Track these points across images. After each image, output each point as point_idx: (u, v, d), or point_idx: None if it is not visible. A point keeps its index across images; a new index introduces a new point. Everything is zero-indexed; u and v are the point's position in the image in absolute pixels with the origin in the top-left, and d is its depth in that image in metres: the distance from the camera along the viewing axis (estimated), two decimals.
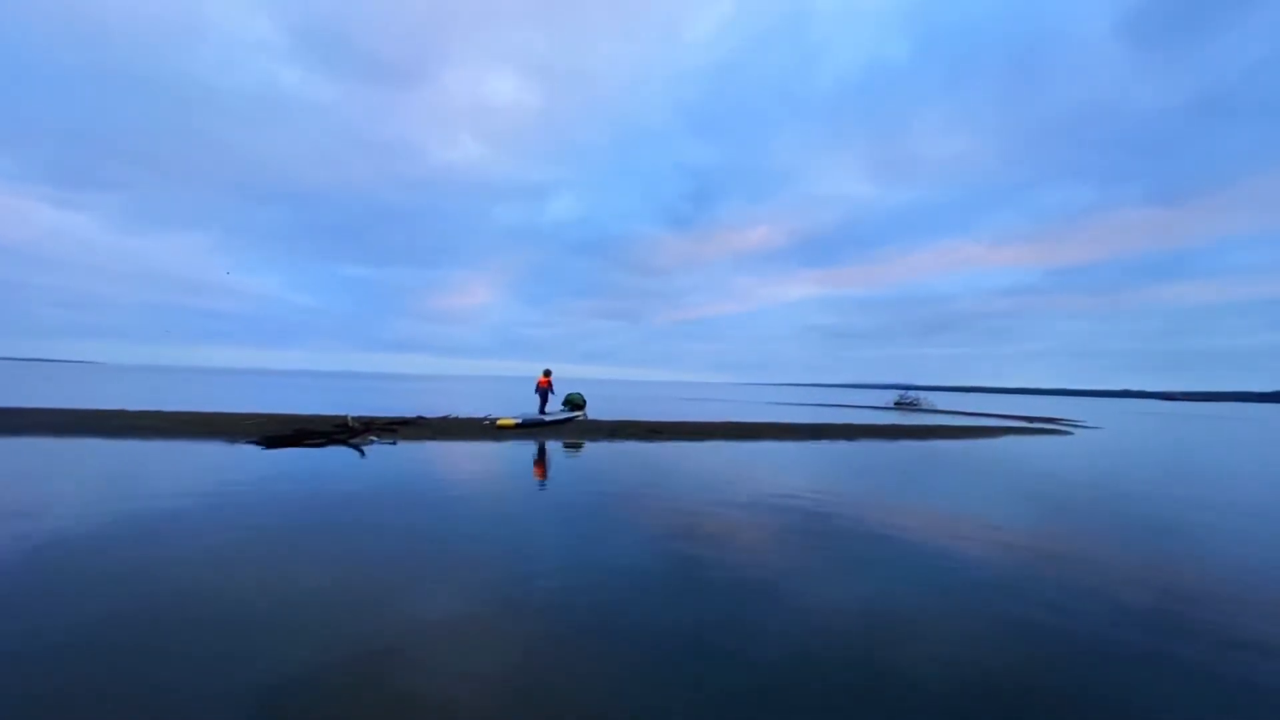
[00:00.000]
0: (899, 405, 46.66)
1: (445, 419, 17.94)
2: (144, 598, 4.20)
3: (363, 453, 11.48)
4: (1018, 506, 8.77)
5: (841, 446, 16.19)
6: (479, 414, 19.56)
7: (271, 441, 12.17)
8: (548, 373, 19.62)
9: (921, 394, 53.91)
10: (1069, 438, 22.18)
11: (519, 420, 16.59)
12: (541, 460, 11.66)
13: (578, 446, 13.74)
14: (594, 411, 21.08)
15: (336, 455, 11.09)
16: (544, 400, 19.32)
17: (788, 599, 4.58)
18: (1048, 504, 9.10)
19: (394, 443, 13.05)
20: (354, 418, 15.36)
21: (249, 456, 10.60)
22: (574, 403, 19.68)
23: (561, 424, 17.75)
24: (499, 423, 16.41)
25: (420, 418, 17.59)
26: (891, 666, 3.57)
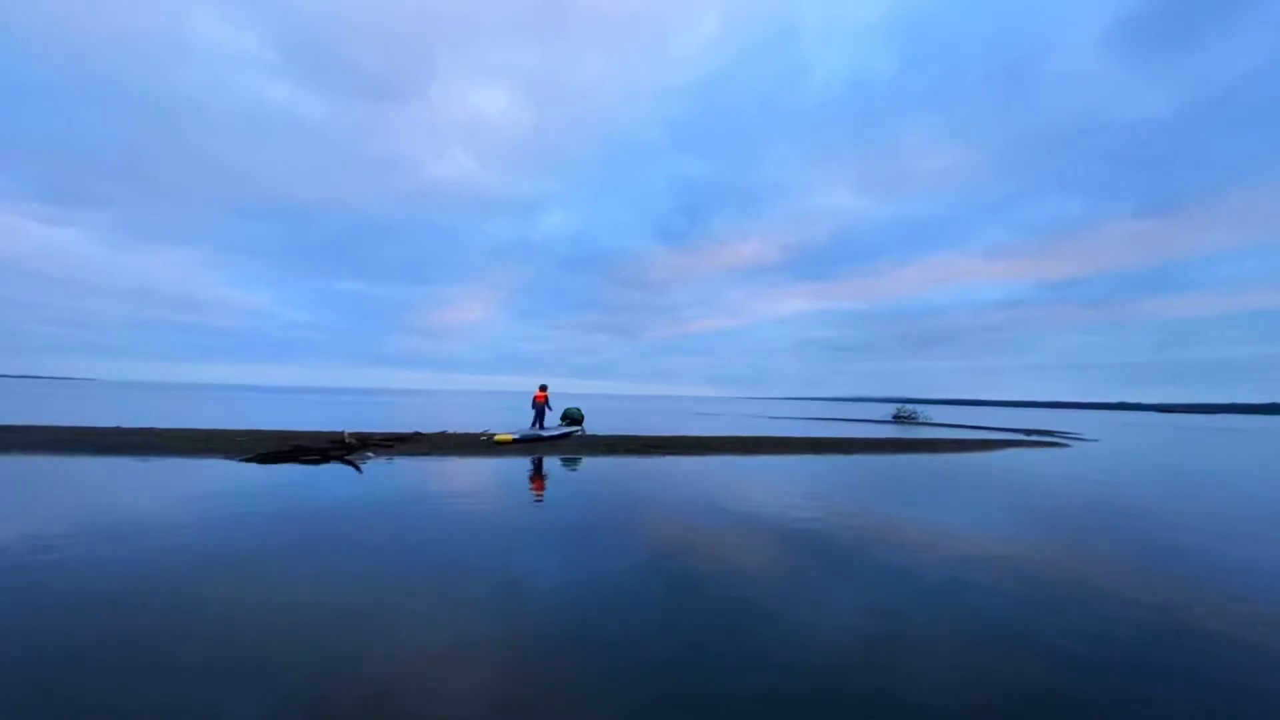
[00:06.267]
0: (897, 419, 46.66)
1: (442, 435, 17.85)
2: (136, 615, 4.12)
3: (360, 469, 11.38)
4: (1022, 520, 8.72)
5: (842, 461, 16.15)
6: (476, 429, 19.46)
7: (268, 458, 12.05)
8: (544, 388, 19.38)
9: (919, 407, 53.94)
10: (1067, 450, 22.19)
11: (516, 436, 16.49)
12: (540, 476, 11.58)
13: (576, 462, 13.66)
14: (592, 426, 20.99)
15: (333, 472, 10.99)
16: (540, 415, 19.10)
17: (790, 622, 4.52)
18: (1051, 518, 9.06)
19: (390, 459, 12.94)
20: (350, 434, 15.26)
21: (245, 473, 10.48)
22: (572, 417, 19.61)
23: (559, 439, 17.66)
24: (496, 438, 16.30)
25: (417, 434, 17.49)
26: (896, 690, 3.52)
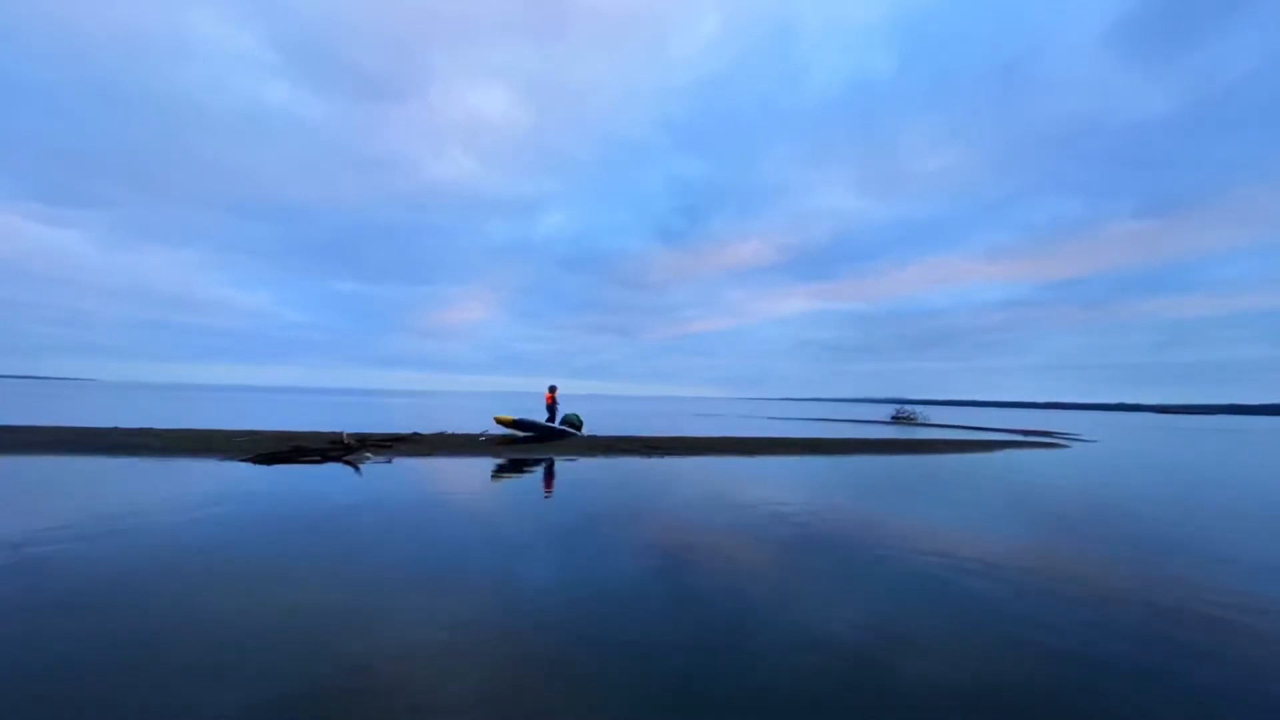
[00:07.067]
0: (896, 420, 46.74)
1: (441, 435, 17.86)
2: (134, 616, 4.13)
3: (359, 470, 11.39)
4: (1019, 521, 8.75)
5: (840, 462, 16.17)
6: (475, 430, 19.49)
7: (266, 459, 12.06)
8: (553, 388, 19.94)
9: (918, 408, 54.03)
10: (1065, 451, 22.22)
11: (516, 419, 17.29)
12: (538, 477, 11.58)
13: (575, 463, 13.67)
14: (591, 428, 21.00)
15: (333, 472, 11.00)
16: (552, 415, 19.42)
17: (789, 622, 4.54)
18: (1048, 518, 9.08)
19: (389, 460, 12.95)
20: (350, 434, 15.27)
21: (244, 474, 10.49)
22: (570, 422, 19.64)
23: (559, 439, 17.70)
24: (496, 418, 17.47)
25: (416, 434, 17.50)
26: (894, 689, 3.53)
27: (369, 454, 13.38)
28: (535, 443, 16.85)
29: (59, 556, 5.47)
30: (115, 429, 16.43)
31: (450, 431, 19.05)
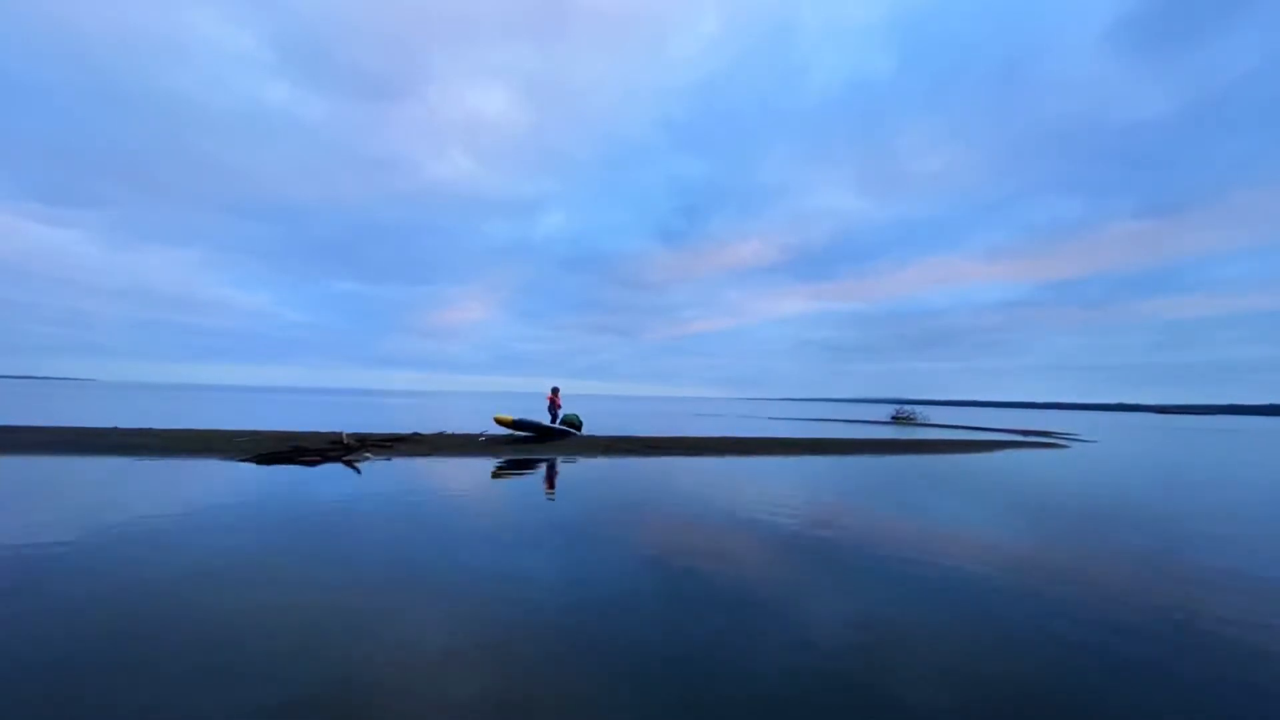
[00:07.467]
0: (896, 420, 46.75)
1: (441, 435, 17.86)
2: (132, 617, 4.13)
3: (359, 470, 11.39)
4: (1018, 521, 8.74)
5: (840, 462, 16.16)
6: (474, 430, 19.50)
7: (267, 459, 12.06)
8: (555, 390, 20.03)
9: (918, 408, 54.04)
10: (1065, 451, 22.21)
11: (516, 419, 17.27)
12: (537, 477, 11.58)
13: (574, 462, 13.67)
14: (591, 428, 21.01)
15: (332, 473, 11.00)
16: (554, 416, 19.51)
17: (789, 624, 4.53)
18: (1048, 519, 9.07)
19: (389, 460, 12.95)
20: (349, 435, 15.26)
21: (244, 474, 10.49)
22: (570, 423, 19.67)
23: (557, 439, 17.71)
24: (496, 418, 17.47)
25: (416, 434, 17.50)
26: (894, 691, 3.53)
27: (369, 454, 13.38)
28: (535, 443, 16.85)
29: (59, 557, 5.47)
30: (115, 429, 16.43)
31: (450, 431, 19.05)
